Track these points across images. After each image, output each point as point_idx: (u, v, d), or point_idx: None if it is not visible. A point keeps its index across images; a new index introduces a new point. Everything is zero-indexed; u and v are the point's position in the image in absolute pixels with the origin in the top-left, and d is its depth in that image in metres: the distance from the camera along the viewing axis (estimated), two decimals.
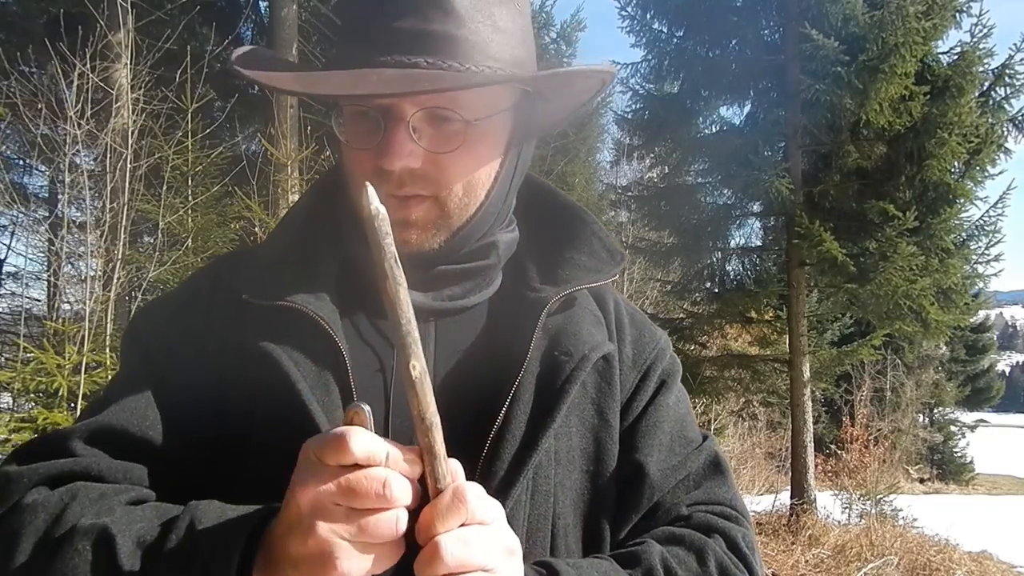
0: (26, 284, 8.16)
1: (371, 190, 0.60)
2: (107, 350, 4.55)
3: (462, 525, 0.59)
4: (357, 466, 0.57)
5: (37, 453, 0.75)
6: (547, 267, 0.87)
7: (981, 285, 9.36)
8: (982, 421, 27.96)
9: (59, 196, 5.86)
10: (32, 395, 4.69)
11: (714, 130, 8.73)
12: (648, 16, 8.43)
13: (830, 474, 12.52)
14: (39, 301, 8.52)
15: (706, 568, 0.77)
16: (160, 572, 0.62)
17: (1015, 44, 7.68)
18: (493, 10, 0.76)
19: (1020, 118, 7.93)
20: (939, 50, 7.78)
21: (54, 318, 5.87)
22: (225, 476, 0.75)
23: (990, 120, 7.78)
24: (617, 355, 0.86)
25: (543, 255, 0.88)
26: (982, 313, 25.42)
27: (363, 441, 0.57)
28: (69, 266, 5.93)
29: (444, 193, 0.77)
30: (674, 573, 0.75)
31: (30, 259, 8.52)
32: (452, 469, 0.60)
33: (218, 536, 0.63)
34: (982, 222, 8.11)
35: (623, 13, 8.37)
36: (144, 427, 0.75)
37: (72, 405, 4.29)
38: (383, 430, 0.76)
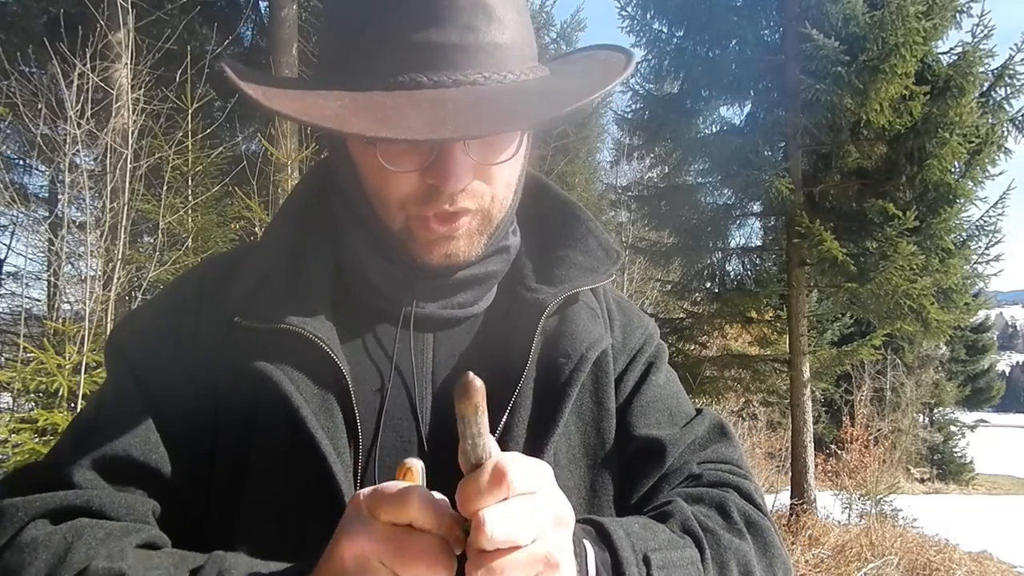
0: (26, 284, 8.15)
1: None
2: None
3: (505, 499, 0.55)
4: (409, 526, 0.54)
5: (32, 483, 0.69)
6: (542, 266, 0.84)
7: (981, 285, 9.36)
8: (982, 421, 27.95)
9: (59, 196, 5.86)
10: (32, 395, 4.69)
11: (714, 130, 8.72)
12: (648, 16, 8.42)
13: (830, 474, 12.53)
14: (39, 301, 8.53)
15: (731, 520, 0.76)
16: None
17: (1015, 44, 7.68)
18: (518, 4, 0.73)
19: (1020, 118, 7.92)
20: (939, 50, 7.78)
21: (54, 318, 5.87)
22: (225, 503, 0.72)
23: (990, 120, 7.78)
24: (611, 343, 0.84)
25: (537, 253, 0.85)
26: (982, 313, 25.37)
27: (422, 503, 0.54)
28: (69, 266, 5.92)
29: (489, 202, 0.75)
30: (706, 525, 0.74)
31: (30, 259, 8.53)
32: (493, 445, 0.55)
33: None
34: (982, 222, 8.11)
35: (623, 13, 8.37)
36: (147, 451, 0.71)
37: (72, 405, 4.29)
38: (370, 444, 0.74)
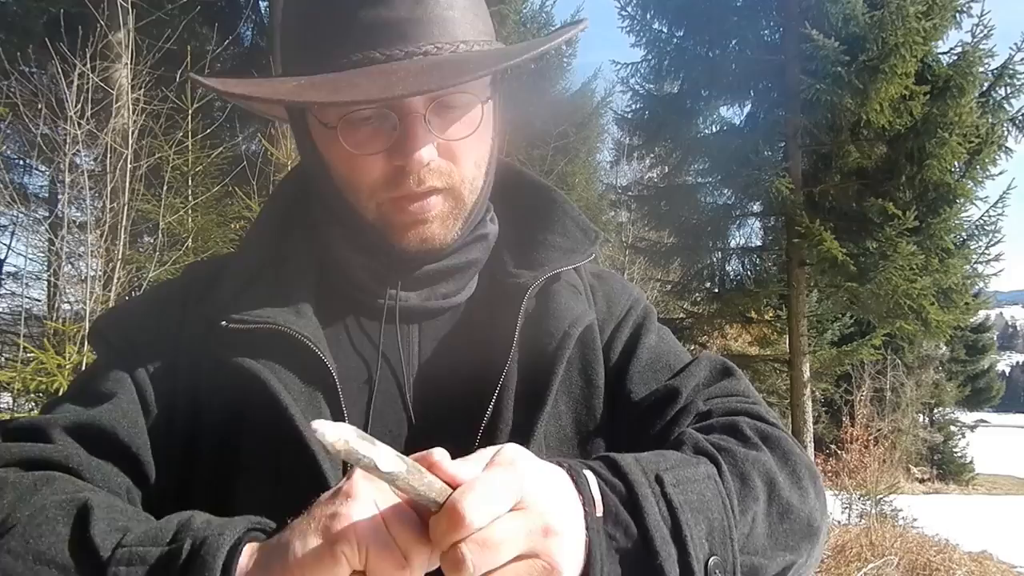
0: (26, 284, 8.15)
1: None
2: None
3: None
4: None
5: (15, 436, 0.70)
6: (521, 251, 0.84)
7: (981, 285, 9.39)
8: (982, 421, 27.97)
9: (59, 196, 5.86)
10: (32, 395, 4.69)
11: (714, 130, 8.73)
12: (648, 16, 8.44)
13: (830, 474, 12.50)
14: (39, 301, 8.51)
15: (744, 436, 0.72)
16: (137, 544, 0.58)
17: (1015, 44, 7.70)
18: None
19: (1020, 118, 7.94)
20: (939, 50, 7.81)
21: (54, 318, 5.86)
22: (214, 501, 0.70)
23: (990, 120, 7.79)
24: (595, 318, 0.84)
25: (516, 239, 0.86)
26: (982, 313, 25.42)
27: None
28: (69, 266, 5.92)
29: (458, 181, 0.75)
30: (720, 445, 0.69)
31: (30, 259, 8.52)
32: (440, 486, 0.51)
33: (214, 521, 0.59)
34: (982, 222, 8.13)
35: (623, 13, 8.38)
36: (132, 434, 0.72)
37: None
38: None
